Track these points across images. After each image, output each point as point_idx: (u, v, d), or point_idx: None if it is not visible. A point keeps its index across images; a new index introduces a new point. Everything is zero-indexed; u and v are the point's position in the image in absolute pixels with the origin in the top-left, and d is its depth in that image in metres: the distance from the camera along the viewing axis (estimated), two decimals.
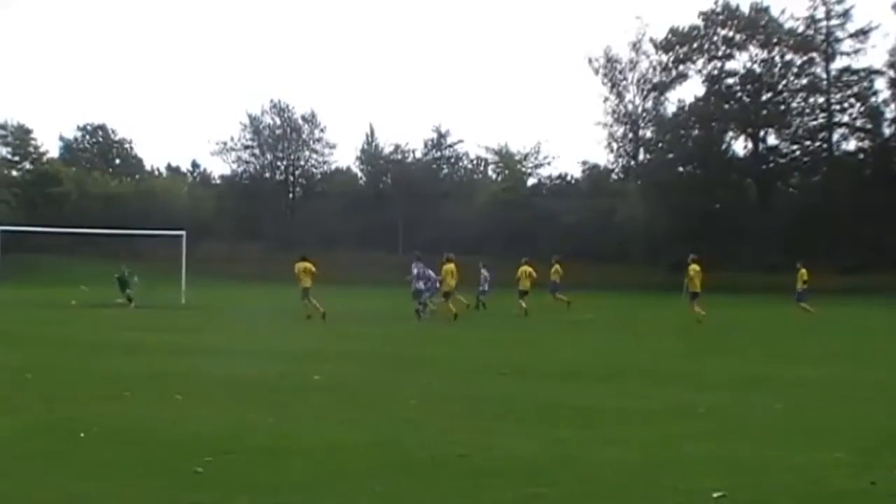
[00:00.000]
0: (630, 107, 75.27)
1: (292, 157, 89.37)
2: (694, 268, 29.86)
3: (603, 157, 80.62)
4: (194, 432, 9.54)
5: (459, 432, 9.64)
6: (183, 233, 39.47)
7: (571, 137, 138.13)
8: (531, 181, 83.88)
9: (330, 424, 10.16)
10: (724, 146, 74.20)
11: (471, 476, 7.63)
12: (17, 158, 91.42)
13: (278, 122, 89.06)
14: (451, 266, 29.70)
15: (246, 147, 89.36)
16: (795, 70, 70.96)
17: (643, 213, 65.44)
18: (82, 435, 9.12)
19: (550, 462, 8.19)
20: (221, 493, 7.01)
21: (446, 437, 9.37)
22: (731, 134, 73.87)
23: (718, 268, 58.76)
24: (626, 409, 11.46)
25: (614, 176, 77.64)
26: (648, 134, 76.25)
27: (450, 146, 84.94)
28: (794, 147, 72.57)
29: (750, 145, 73.68)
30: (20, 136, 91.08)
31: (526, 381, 14.26)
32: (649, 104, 75.49)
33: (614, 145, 76.40)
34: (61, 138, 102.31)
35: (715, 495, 6.97)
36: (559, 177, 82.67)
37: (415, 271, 30.04)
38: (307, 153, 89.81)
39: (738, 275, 54.93)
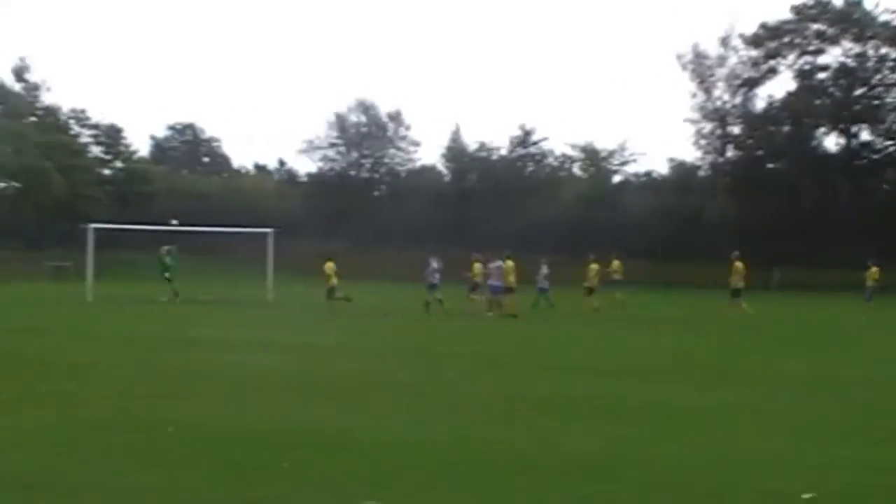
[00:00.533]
0: (718, 103, 73.97)
1: (378, 154, 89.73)
2: (738, 266, 29.59)
3: (690, 154, 79.45)
4: (265, 428, 9.60)
5: (527, 430, 9.65)
6: (270, 230, 39.78)
7: (658, 134, 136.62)
8: (617, 178, 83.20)
9: (402, 421, 10.18)
10: (814, 142, 72.75)
11: (538, 473, 7.61)
12: (109, 157, 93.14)
13: (364, 120, 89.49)
14: (511, 264, 29.97)
15: (332, 145, 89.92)
16: (890, 64, 69.21)
17: (731, 211, 64.42)
18: (154, 430, 9.27)
19: (617, 459, 8.19)
20: (286, 488, 7.07)
21: (514, 434, 9.37)
22: (822, 130, 72.38)
23: (809, 265, 57.83)
24: (694, 407, 11.31)
25: (701, 173, 76.45)
26: (737, 130, 74.90)
27: (535, 143, 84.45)
28: (889, 143, 70.81)
29: (842, 141, 72.12)
30: (112, 136, 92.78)
31: (594, 378, 14.14)
32: (738, 100, 74.14)
33: (702, 142, 75.17)
34: (151, 137, 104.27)
35: (805, 496, 6.78)
36: (645, 174, 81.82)
37: (434, 265, 30.80)
38: (392, 151, 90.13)
39: (828, 272, 53.90)
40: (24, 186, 78.25)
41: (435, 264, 30.84)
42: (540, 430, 9.65)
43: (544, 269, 35.16)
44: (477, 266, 31.17)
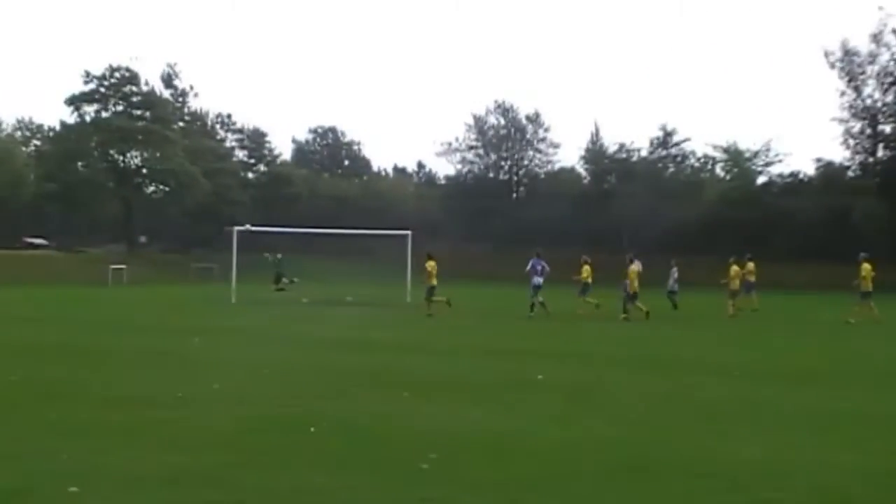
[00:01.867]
0: (869, 101, 71.37)
1: (516, 156, 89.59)
2: (866, 267, 28.27)
3: (839, 154, 76.99)
4: (420, 429, 9.56)
5: (686, 434, 9.42)
6: (409, 232, 39.87)
7: (804, 134, 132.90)
8: (761, 179, 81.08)
9: (555, 424, 9.95)
10: None
11: (701, 479, 7.39)
12: (252, 161, 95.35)
13: (503, 122, 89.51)
14: (634, 267, 29.26)
15: (470, 147, 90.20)
16: None
17: (882, 212, 62.10)
18: (312, 429, 9.31)
19: (783, 466, 7.86)
20: (448, 489, 6.98)
21: (673, 438, 9.14)
22: None
23: None
24: (865, 414, 10.76)
25: (850, 173, 73.91)
26: (888, 129, 72.17)
27: (676, 144, 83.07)
28: None
29: None
30: (256, 140, 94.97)
31: (754, 382, 13.60)
32: (890, 98, 71.34)
33: (851, 141, 72.63)
34: (294, 141, 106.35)
35: None
36: (791, 175, 79.40)
37: (536, 267, 30.12)
38: (531, 153, 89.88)
39: None
40: (171, 190, 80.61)
41: (538, 265, 30.27)
42: (700, 434, 9.42)
43: (674, 273, 34.31)
44: (586, 269, 30.54)
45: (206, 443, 8.67)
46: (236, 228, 39.41)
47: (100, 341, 19.44)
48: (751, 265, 34.68)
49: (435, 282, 30.27)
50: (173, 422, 9.78)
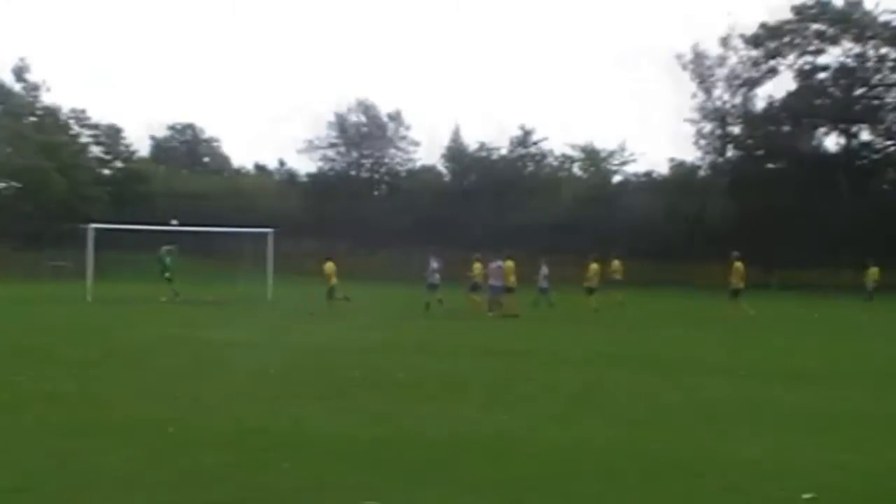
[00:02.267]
0: (719, 103, 73.90)
1: (377, 154, 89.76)
2: (738, 265, 29.63)
3: (690, 154, 79.38)
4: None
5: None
6: (270, 230, 39.75)
7: (658, 134, 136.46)
8: (617, 178, 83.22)
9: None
10: (814, 142, 72.73)
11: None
12: (109, 157, 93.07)
13: (364, 120, 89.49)
14: (511, 264, 30.08)
15: (332, 145, 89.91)
16: (890, 64, 69.17)
17: (731, 211, 64.40)
18: (171, 430, 9.18)
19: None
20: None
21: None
22: (822, 130, 72.34)
23: (808, 266, 57.78)
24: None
25: (702, 173, 76.37)
26: (737, 130, 74.84)
27: (535, 143, 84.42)
28: (889, 143, 70.78)
29: (842, 141, 72.09)
30: (112, 136, 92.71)
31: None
32: (738, 100, 74.04)
33: (702, 142, 75.08)
34: (151, 137, 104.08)
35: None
36: (645, 174, 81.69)
37: (435, 265, 31.16)
38: (392, 151, 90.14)
39: (827, 272, 53.99)
40: (24, 186, 78.18)
41: (435, 264, 30.97)
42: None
43: (544, 269, 35.14)
44: (477, 266, 31.21)
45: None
46: (93, 226, 38.69)
47: None
48: (616, 263, 35.75)
49: (335, 282, 30.69)
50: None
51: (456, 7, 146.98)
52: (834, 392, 12.98)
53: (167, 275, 36.39)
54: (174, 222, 38.86)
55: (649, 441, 8.98)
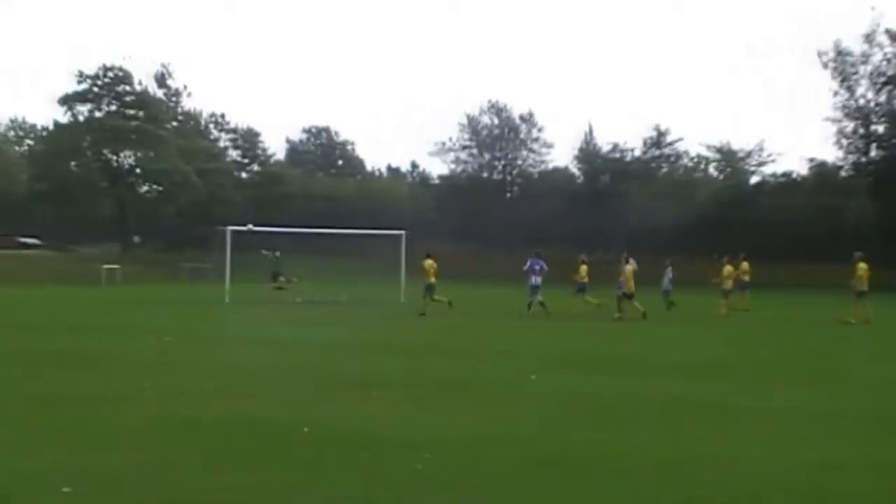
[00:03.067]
0: (861, 101, 71.57)
1: (510, 156, 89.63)
2: (861, 266, 28.36)
3: (831, 154, 77.11)
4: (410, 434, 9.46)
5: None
6: (403, 232, 39.88)
7: (797, 134, 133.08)
8: (754, 179, 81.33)
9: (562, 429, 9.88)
10: None
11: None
12: (246, 161, 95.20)
13: (496, 121, 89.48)
14: (630, 267, 29.46)
15: (464, 147, 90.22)
16: None
17: (874, 212, 62.30)
18: (306, 430, 9.33)
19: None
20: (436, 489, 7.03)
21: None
22: None
23: None
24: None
25: (843, 173, 74.09)
26: (881, 129, 72.35)
27: (669, 144, 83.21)
28: None
29: None
30: (249, 140, 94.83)
31: (741, 382, 13.59)
32: (882, 98, 71.52)
33: (844, 141, 72.81)
34: (287, 140, 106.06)
35: None
36: (784, 175, 79.60)
37: (535, 267, 30.31)
38: (524, 152, 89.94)
39: None
40: (165, 190, 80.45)
41: (537, 266, 30.40)
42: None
43: (669, 272, 34.39)
44: (584, 268, 30.68)
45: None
46: (231, 229, 39.37)
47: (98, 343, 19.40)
48: (745, 265, 34.89)
49: (433, 280, 30.39)
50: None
51: (590, 6, 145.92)
52: None
53: (282, 278, 36.72)
54: (251, 227, 39.23)
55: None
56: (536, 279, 30.10)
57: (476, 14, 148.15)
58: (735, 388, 13.19)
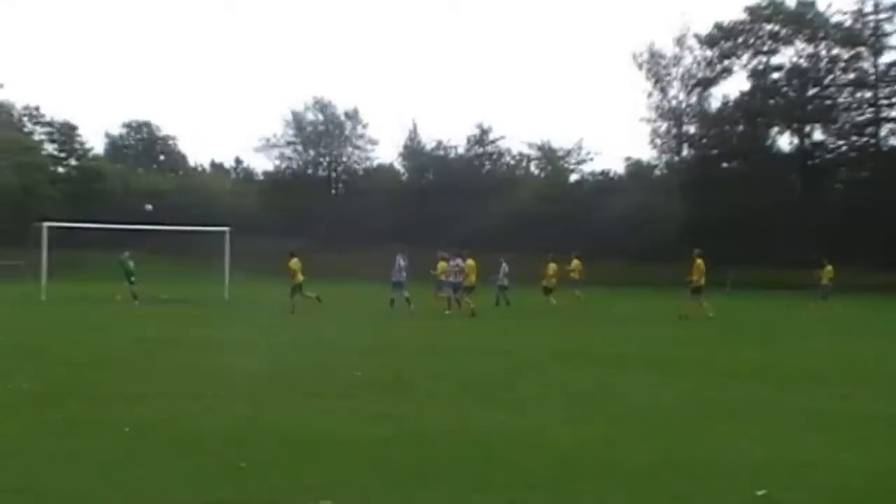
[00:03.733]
0: (674, 102, 74.76)
1: (335, 153, 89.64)
2: (698, 263, 29.78)
3: (646, 153, 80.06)
4: (224, 426, 9.50)
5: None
6: (227, 229, 39.57)
7: (614, 133, 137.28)
8: (574, 177, 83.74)
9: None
10: (768, 142, 73.68)
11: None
12: (63, 155, 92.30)
13: (321, 118, 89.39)
14: (472, 262, 30.25)
15: (289, 143, 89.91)
16: (842, 65, 70.37)
17: (686, 210, 65.00)
18: (126, 430, 9.18)
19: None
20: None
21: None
22: (776, 129, 73.41)
23: (763, 265, 58.33)
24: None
25: (657, 172, 77.06)
26: (692, 129, 75.69)
27: (492, 142, 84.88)
28: (841, 142, 71.91)
29: (795, 141, 73.07)
30: (66, 133, 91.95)
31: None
32: (693, 99, 75.02)
33: (658, 141, 75.88)
34: (107, 135, 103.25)
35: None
36: (602, 173, 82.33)
37: (402, 263, 31.17)
38: (349, 149, 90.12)
39: (782, 271, 54.53)
40: None
41: (402, 262, 31.00)
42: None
43: (504, 267, 35.34)
44: (442, 264, 31.27)
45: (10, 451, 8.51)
46: (48, 225, 38.30)
47: None
48: (576, 262, 35.88)
49: (301, 278, 30.38)
50: None
51: (414, 5, 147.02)
52: (786, 390, 13.10)
53: (133, 279, 35.95)
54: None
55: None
56: (401, 276, 30.80)
57: (302, 9, 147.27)
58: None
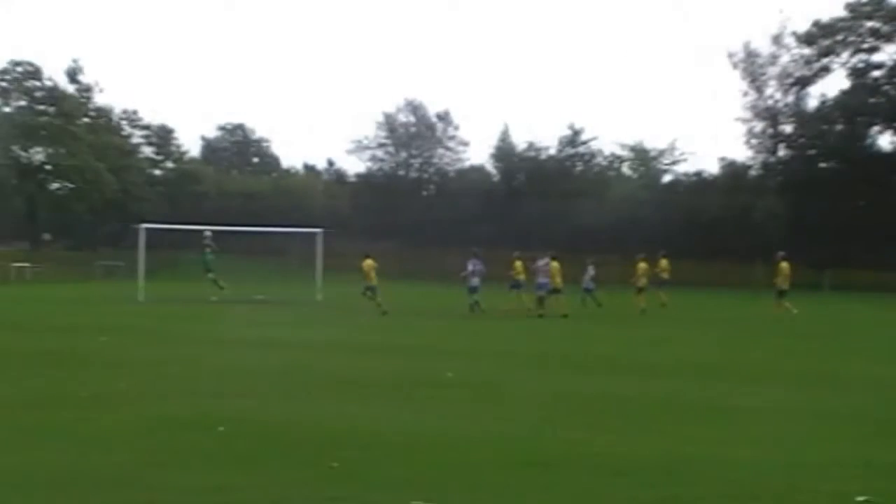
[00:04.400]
0: (770, 102, 73.15)
1: (426, 154, 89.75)
2: (783, 266, 29.26)
3: (741, 154, 78.68)
4: (330, 428, 9.54)
5: (594, 431, 9.50)
6: (319, 230, 39.86)
7: (709, 134, 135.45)
8: (667, 178, 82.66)
9: (464, 420, 10.05)
10: (868, 141, 71.78)
11: (606, 475, 7.49)
12: (160, 158, 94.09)
13: (412, 119, 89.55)
14: (556, 264, 29.86)
15: (380, 145, 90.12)
16: None
17: (782, 211, 63.81)
18: (221, 429, 9.26)
19: (686, 462, 8.02)
20: (358, 488, 7.01)
21: (580, 435, 9.22)
22: (876, 129, 71.33)
23: (861, 266, 57.00)
24: (762, 409, 11.15)
25: (753, 172, 75.64)
26: (789, 129, 74.03)
27: (584, 143, 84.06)
28: None
29: None
30: (163, 136, 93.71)
31: (641, 377, 13.99)
32: (790, 99, 73.26)
33: (753, 141, 74.39)
34: (202, 138, 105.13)
35: (859, 499, 6.66)
36: (696, 174, 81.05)
37: (470, 268, 31.04)
38: (441, 151, 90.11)
39: (881, 273, 53.33)
40: (77, 187, 79.13)
41: (471, 266, 30.86)
42: (608, 431, 9.52)
43: (590, 271, 35.08)
44: (518, 264, 31.14)
45: (114, 442, 8.64)
46: (145, 226, 38.94)
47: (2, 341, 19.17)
48: (664, 262, 35.45)
49: (374, 280, 30.40)
50: (80, 421, 9.73)
51: (506, 5, 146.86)
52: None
53: (211, 275, 36.39)
54: (208, 233, 38.86)
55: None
56: (475, 280, 30.63)
57: (393, 11, 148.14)
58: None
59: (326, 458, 7.85)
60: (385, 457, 8.11)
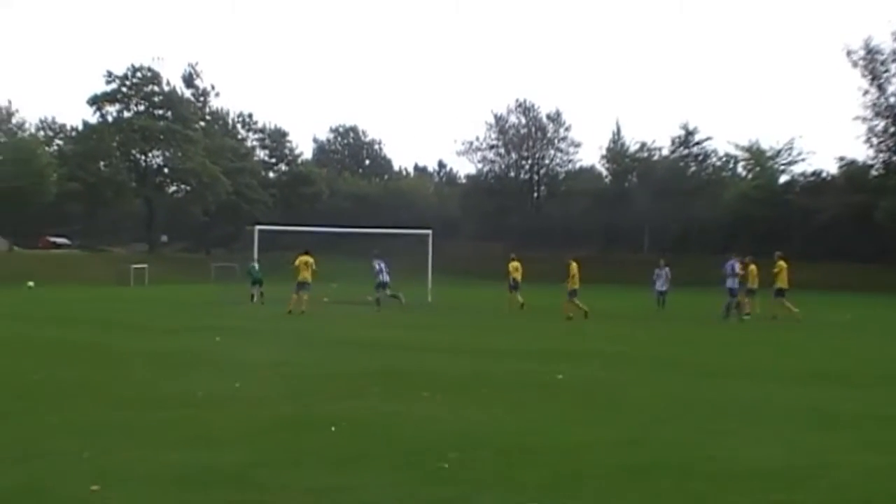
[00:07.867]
0: (892, 100, 70.91)
1: (537, 155, 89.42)
2: (780, 265, 28.56)
3: (862, 153, 76.45)
4: (440, 429, 9.39)
5: (704, 435, 9.19)
6: (429, 231, 39.82)
7: (827, 133, 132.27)
8: (783, 178, 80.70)
9: (573, 424, 9.81)
10: None
11: (716, 481, 7.21)
12: (273, 160, 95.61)
13: (523, 121, 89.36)
14: (753, 267, 29.52)
15: (491, 147, 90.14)
16: None
17: None
18: (333, 429, 9.15)
19: (799, 468, 7.64)
20: (467, 488, 6.88)
21: (691, 439, 8.94)
22: None
23: None
24: (879, 416, 10.60)
25: (874, 172, 73.40)
26: None
27: (698, 143, 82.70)
28: None
29: None
30: (277, 139, 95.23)
31: (767, 383, 13.44)
32: None
33: (874, 140, 72.19)
34: (314, 140, 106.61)
35: None
36: (814, 174, 78.99)
37: (376, 267, 32.04)
38: (552, 152, 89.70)
39: None
40: (192, 190, 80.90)
41: (378, 266, 31.94)
42: (718, 435, 9.14)
43: (666, 272, 33.85)
44: (515, 265, 31.40)
45: (228, 441, 8.63)
46: (259, 228, 39.41)
47: (123, 341, 19.44)
48: (781, 263, 34.24)
49: (308, 278, 30.28)
50: (195, 420, 9.76)
51: (616, 5, 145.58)
52: None
53: (257, 285, 36.32)
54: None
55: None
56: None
57: (504, 13, 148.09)
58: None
59: (436, 459, 7.73)
60: (494, 458, 7.96)
